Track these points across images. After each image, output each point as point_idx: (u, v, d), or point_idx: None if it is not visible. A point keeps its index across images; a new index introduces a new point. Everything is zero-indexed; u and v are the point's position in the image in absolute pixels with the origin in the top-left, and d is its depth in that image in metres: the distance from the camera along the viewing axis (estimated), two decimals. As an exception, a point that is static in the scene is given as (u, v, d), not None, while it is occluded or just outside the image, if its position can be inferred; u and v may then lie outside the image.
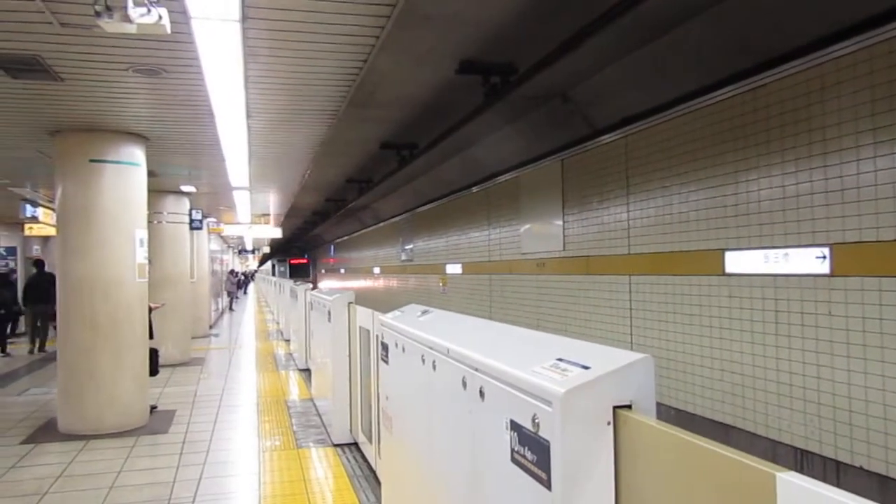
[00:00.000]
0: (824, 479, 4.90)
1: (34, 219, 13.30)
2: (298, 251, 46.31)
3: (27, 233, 15.98)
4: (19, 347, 13.90)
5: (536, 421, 1.68)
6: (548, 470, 1.62)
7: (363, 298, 13.92)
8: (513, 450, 1.83)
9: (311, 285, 11.71)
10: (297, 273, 41.58)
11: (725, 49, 5.71)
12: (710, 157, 6.23)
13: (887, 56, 4.55)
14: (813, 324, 5.20)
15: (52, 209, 10.12)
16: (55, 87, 5.30)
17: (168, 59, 4.68)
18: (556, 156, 9.07)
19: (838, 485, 4.76)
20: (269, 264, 55.17)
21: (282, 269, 45.35)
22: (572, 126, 8.27)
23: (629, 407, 1.58)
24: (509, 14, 5.47)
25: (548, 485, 1.62)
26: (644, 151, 7.26)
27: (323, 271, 39.36)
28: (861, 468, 4.80)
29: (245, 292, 44.89)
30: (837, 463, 5.00)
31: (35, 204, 12.83)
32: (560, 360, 1.75)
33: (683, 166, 6.62)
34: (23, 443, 6.28)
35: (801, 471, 4.68)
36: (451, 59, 6.44)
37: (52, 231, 14.15)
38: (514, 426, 1.81)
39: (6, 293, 13.54)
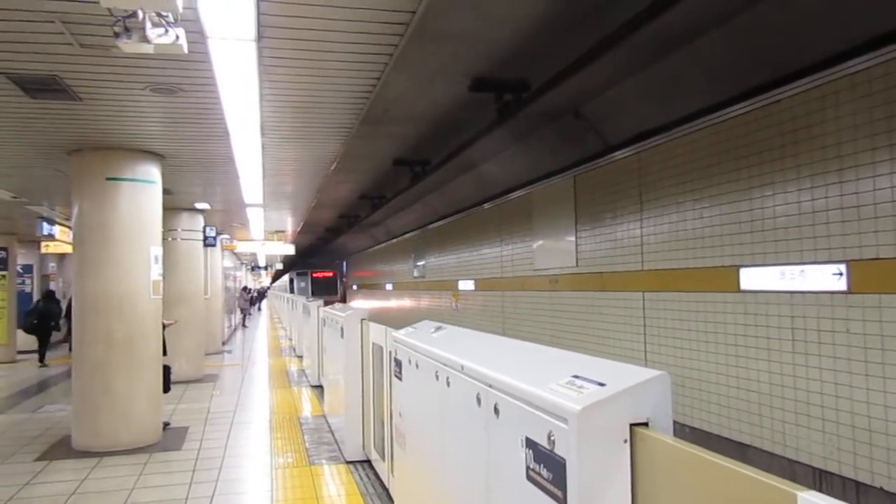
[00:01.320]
0: (843, 500, 4.82)
1: (51, 236, 13.44)
2: (322, 262, 39.10)
3: (43, 250, 16.14)
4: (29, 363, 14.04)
5: (552, 438, 1.66)
6: (564, 488, 1.60)
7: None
8: (528, 467, 1.81)
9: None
10: (322, 289, 34.14)
11: (739, 65, 5.70)
12: (725, 174, 6.21)
13: (902, 71, 4.53)
14: (830, 341, 5.14)
15: (69, 227, 10.24)
16: (74, 107, 5.37)
17: (184, 78, 4.74)
18: (569, 172, 9.07)
19: (859, 505, 4.68)
20: (285, 279, 45.80)
21: (302, 284, 36.40)
22: (585, 142, 8.27)
23: (646, 424, 1.57)
24: (522, 31, 5.51)
25: (563, 502, 1.60)
26: (657, 167, 7.24)
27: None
28: (882, 489, 4.71)
29: (259, 308, 43.86)
30: (857, 483, 4.91)
31: (52, 222, 12.97)
32: (576, 377, 1.74)
33: (697, 182, 6.59)
34: (37, 460, 6.30)
35: (820, 491, 4.60)
36: (464, 76, 6.48)
37: (68, 248, 14.31)
38: (530, 443, 1.79)
39: (54, 308, 14.50)
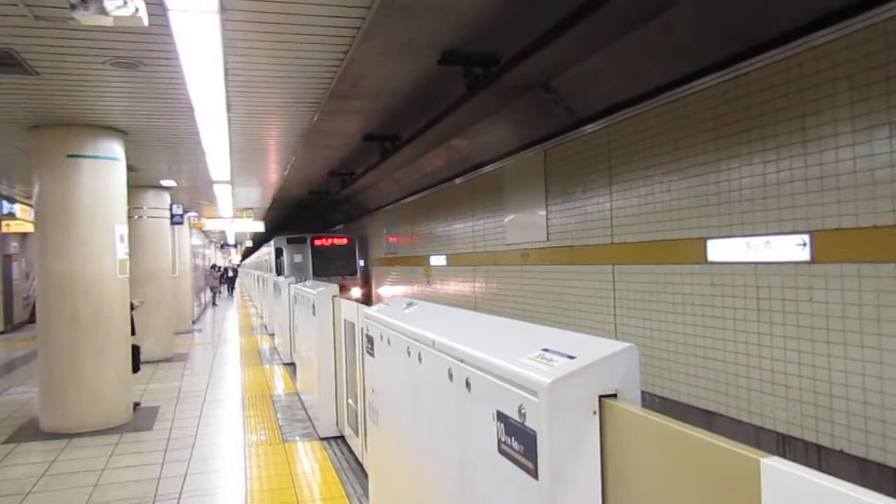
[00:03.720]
0: (806, 463, 4.98)
1: (11, 215, 13.12)
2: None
3: (4, 230, 15.75)
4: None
5: (523, 411, 1.68)
6: (534, 460, 1.62)
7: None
8: (500, 440, 1.83)
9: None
10: (329, 265, 21.19)
11: (709, 37, 5.73)
12: (692, 147, 6.27)
13: (865, 44, 4.60)
14: (794, 310, 5.27)
15: (30, 205, 9.99)
16: (31, 82, 5.21)
17: (146, 51, 4.62)
18: (539, 146, 9.08)
19: (820, 468, 4.83)
20: (263, 252, 29.80)
21: (296, 257, 21.46)
22: (554, 116, 8.28)
23: (615, 396, 1.59)
24: (491, 3, 5.45)
25: (535, 474, 1.62)
26: (627, 141, 7.29)
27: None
28: (842, 451, 4.87)
29: (231, 292, 36.76)
30: (819, 447, 5.07)
31: (12, 200, 12.65)
32: (546, 350, 1.76)
33: (666, 156, 6.65)
34: (4, 443, 6.20)
35: (783, 455, 4.75)
36: (433, 49, 6.42)
37: (30, 228, 13.97)
38: (501, 417, 1.81)
39: None
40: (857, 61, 4.66)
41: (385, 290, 19.54)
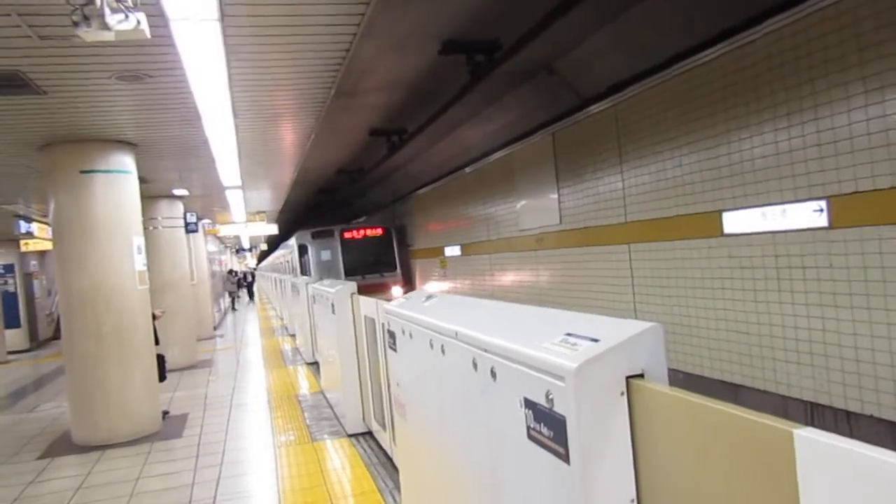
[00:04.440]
0: (836, 430, 4.95)
1: (29, 234, 13.25)
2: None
3: (23, 249, 15.94)
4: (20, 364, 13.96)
5: (550, 397, 1.68)
6: (565, 444, 1.62)
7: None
8: (529, 427, 1.83)
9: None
10: (362, 262, 17.90)
11: (713, 6, 5.67)
12: (701, 119, 6.21)
13: (872, 3, 4.52)
14: (815, 277, 5.22)
15: (47, 223, 10.11)
16: (39, 101, 5.25)
17: (150, 63, 4.64)
18: (547, 129, 9.04)
19: (850, 434, 4.80)
20: (284, 251, 24.66)
21: (324, 254, 18.27)
22: (560, 98, 8.23)
23: (641, 376, 1.59)
24: (489, -10, 5.42)
25: (566, 459, 1.63)
26: (635, 118, 7.23)
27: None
28: (872, 416, 4.84)
29: (251, 296, 35.32)
30: (848, 413, 5.04)
31: (29, 219, 12.77)
32: (569, 334, 1.76)
33: (675, 130, 6.60)
34: (39, 458, 6.30)
35: (811, 423, 4.72)
36: (434, 40, 6.40)
37: (48, 245, 14.12)
38: (529, 404, 1.82)
39: None
40: (865, 20, 4.59)
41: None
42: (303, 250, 18.31)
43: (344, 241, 18.13)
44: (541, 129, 9.11)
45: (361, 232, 18.30)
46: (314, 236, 18.14)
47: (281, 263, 26.43)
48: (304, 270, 18.03)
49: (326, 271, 17.19)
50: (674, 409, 1.45)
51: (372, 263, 17.85)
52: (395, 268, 18.02)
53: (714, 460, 1.32)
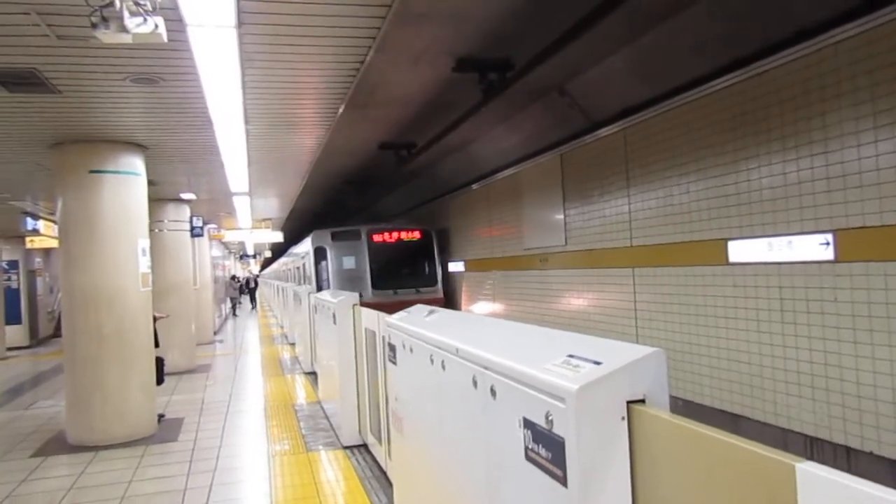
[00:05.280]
0: (835, 466, 4.90)
1: (35, 231, 13.30)
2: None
3: (29, 245, 16.00)
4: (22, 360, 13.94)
5: (550, 418, 1.67)
6: (563, 467, 1.61)
7: None
8: (527, 447, 1.82)
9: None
10: (397, 273, 14.41)
11: (725, 36, 5.70)
12: (711, 147, 6.22)
13: (887, 39, 4.54)
14: (819, 310, 5.20)
15: (54, 221, 10.14)
16: (53, 100, 5.29)
17: (165, 67, 4.68)
18: (556, 150, 9.06)
19: (849, 470, 4.76)
20: (292, 259, 21.34)
21: (346, 261, 14.28)
22: (570, 120, 8.26)
23: (643, 401, 1.58)
24: (505, 10, 5.47)
25: (563, 481, 1.61)
26: (643, 143, 7.25)
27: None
28: (871, 453, 4.79)
29: (253, 303, 34.40)
30: (848, 449, 4.99)
31: (36, 217, 12.83)
32: (571, 356, 1.75)
33: (684, 157, 6.60)
34: (32, 456, 6.28)
35: (811, 458, 4.68)
36: (448, 56, 6.44)
37: (53, 243, 14.17)
38: (528, 424, 1.81)
39: None
40: (879, 56, 4.60)
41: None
42: (320, 255, 14.46)
43: (372, 246, 14.27)
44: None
45: (395, 234, 14.54)
46: (335, 237, 14.36)
47: (289, 271, 21.88)
48: (320, 281, 14.33)
49: (349, 282, 13.64)
50: (675, 436, 1.43)
51: (407, 275, 14.26)
52: (437, 281, 14.20)
53: (715, 491, 1.31)
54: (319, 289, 13.47)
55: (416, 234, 14.58)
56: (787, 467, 1.12)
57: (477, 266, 12.70)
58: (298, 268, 18.08)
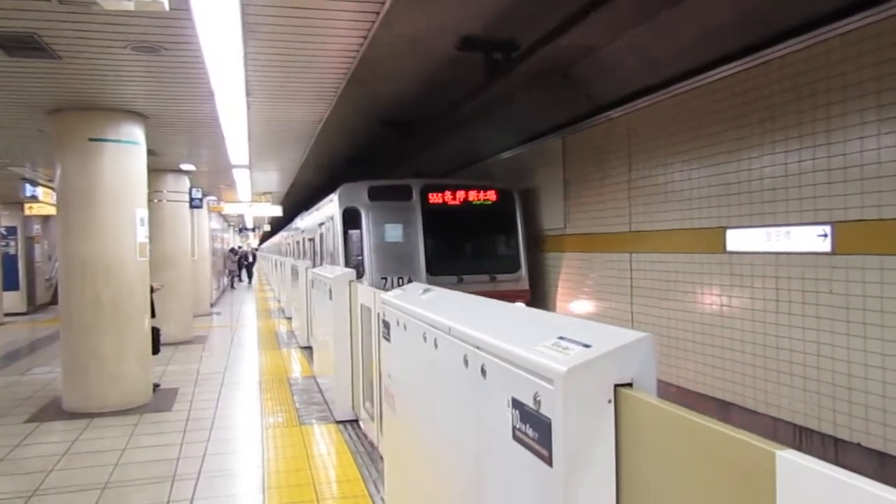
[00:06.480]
0: (823, 456, 4.95)
1: (34, 198, 13.28)
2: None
3: (27, 212, 15.98)
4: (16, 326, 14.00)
5: (538, 399, 1.68)
6: (549, 447, 1.63)
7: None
8: (514, 427, 1.84)
9: None
10: (466, 252, 10.72)
11: (732, 24, 5.65)
12: (713, 135, 6.20)
13: (893, 32, 4.50)
14: (814, 301, 5.21)
15: (53, 188, 10.11)
16: (53, 66, 5.25)
17: (167, 36, 4.64)
18: (557, 133, 9.02)
19: (836, 461, 4.81)
20: (309, 224, 14.44)
21: (391, 232, 9.85)
22: (573, 104, 8.21)
23: (630, 385, 1.59)
24: (511, -10, 5.41)
25: (549, 461, 1.63)
26: (647, 129, 7.22)
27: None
28: (859, 445, 4.84)
29: (249, 278, 32.84)
30: (836, 440, 5.04)
31: (35, 183, 12.80)
32: (561, 338, 1.76)
33: (686, 144, 6.58)
34: (27, 421, 6.32)
35: (799, 447, 4.72)
36: (453, 35, 6.39)
37: (52, 210, 14.15)
38: (516, 404, 1.82)
39: None
40: (886, 49, 4.57)
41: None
42: (351, 220, 10.03)
43: (429, 210, 10.09)
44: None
45: (461, 195, 10.23)
46: (374, 195, 10.02)
47: (298, 244, 17.44)
48: (349, 258, 10.10)
49: (392, 261, 9.83)
50: (660, 420, 1.44)
51: (478, 256, 10.66)
52: (519, 266, 10.14)
53: (695, 475, 1.33)
54: (357, 269, 8.76)
55: (492, 196, 10.29)
56: (767, 454, 1.13)
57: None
58: (312, 240, 13.84)
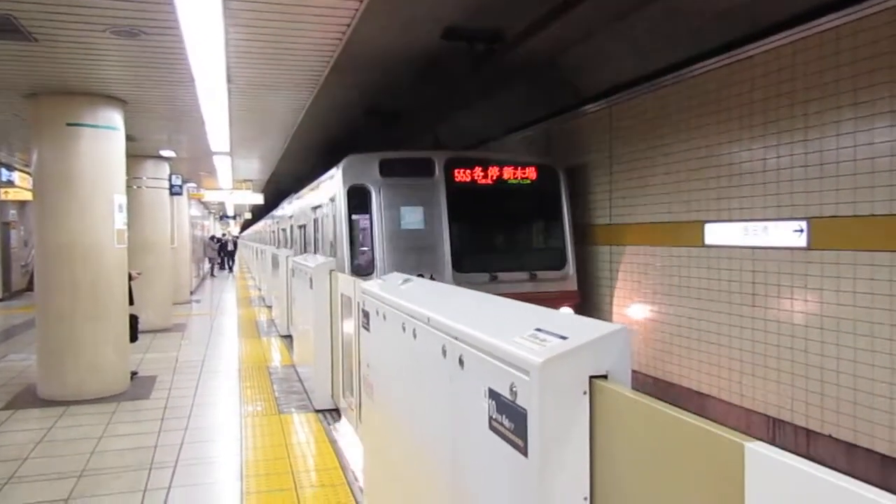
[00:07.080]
0: (795, 447, 5.04)
1: (10, 183, 13.08)
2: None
3: (3, 197, 15.72)
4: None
5: (514, 390, 1.70)
6: (525, 437, 1.64)
7: None
8: (491, 417, 1.85)
9: None
10: (498, 244, 8.79)
11: (715, 18, 5.68)
12: (693, 129, 6.25)
13: (871, 31, 4.56)
14: (789, 295, 5.29)
15: (29, 173, 9.97)
16: (30, 49, 5.16)
17: (146, 20, 4.57)
18: (542, 124, 9.04)
19: (808, 453, 4.90)
20: (306, 203, 11.23)
21: (409, 216, 7.85)
22: (559, 95, 8.23)
23: (605, 377, 1.61)
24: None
25: (524, 452, 1.65)
26: (628, 122, 7.25)
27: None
28: (830, 436, 4.93)
29: (230, 267, 32.64)
30: (808, 431, 5.13)
31: (11, 168, 12.60)
32: (539, 330, 1.77)
33: (666, 137, 6.63)
34: (2, 409, 6.25)
35: (772, 439, 4.80)
36: (437, 24, 6.37)
37: (28, 196, 13.94)
38: (493, 394, 1.83)
39: None
40: (863, 48, 4.63)
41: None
42: (358, 201, 8.07)
43: (455, 190, 8.13)
44: None
45: (494, 171, 8.23)
46: (386, 170, 8.03)
47: (285, 231, 15.63)
48: (356, 250, 8.20)
49: (410, 253, 7.94)
50: (633, 412, 1.47)
51: (515, 249, 8.98)
52: (565, 262, 8.22)
53: (666, 466, 1.35)
54: (356, 263, 8.01)
55: (531, 173, 8.27)
56: (736, 446, 1.15)
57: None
58: (303, 227, 12.10)
